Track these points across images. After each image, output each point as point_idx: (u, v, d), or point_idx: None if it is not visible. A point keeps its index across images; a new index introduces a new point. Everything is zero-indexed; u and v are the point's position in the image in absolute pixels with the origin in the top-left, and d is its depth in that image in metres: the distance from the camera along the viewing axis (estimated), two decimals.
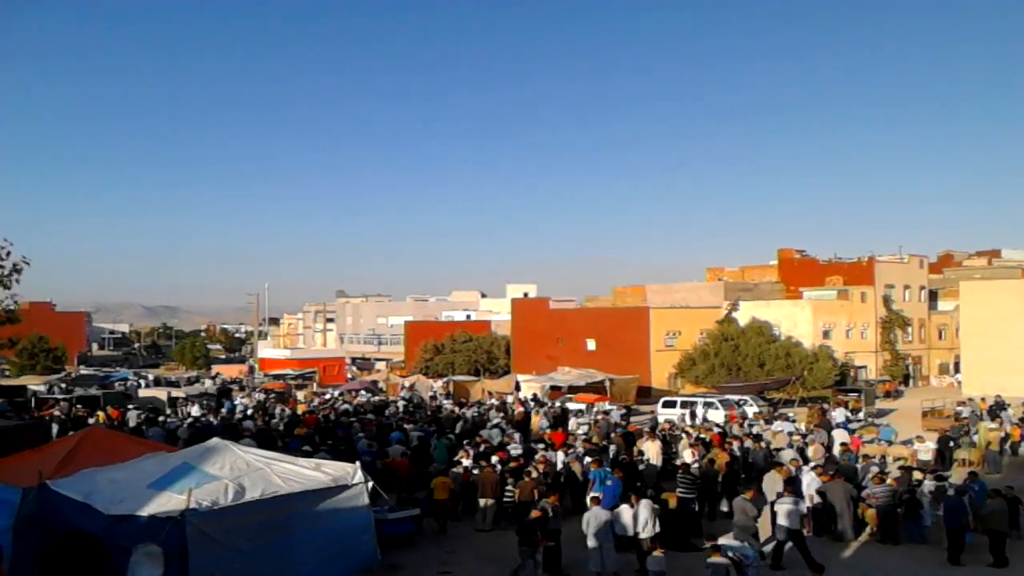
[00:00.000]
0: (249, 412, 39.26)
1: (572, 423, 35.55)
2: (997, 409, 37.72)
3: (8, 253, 14.63)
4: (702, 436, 28.68)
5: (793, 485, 19.73)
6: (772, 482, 20.44)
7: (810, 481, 20.39)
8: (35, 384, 52.49)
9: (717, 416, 37.67)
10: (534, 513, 16.57)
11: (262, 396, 49.36)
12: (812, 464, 23.28)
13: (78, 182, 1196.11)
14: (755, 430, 31.52)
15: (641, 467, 23.76)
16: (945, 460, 27.83)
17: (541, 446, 26.72)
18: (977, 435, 30.46)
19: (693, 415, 38.30)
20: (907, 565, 17.69)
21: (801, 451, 28.33)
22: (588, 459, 23.09)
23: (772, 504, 18.40)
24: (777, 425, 32.37)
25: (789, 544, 16.68)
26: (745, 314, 59.81)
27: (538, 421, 35.43)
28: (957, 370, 62.05)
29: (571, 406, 40.94)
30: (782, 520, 17.28)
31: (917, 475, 21.68)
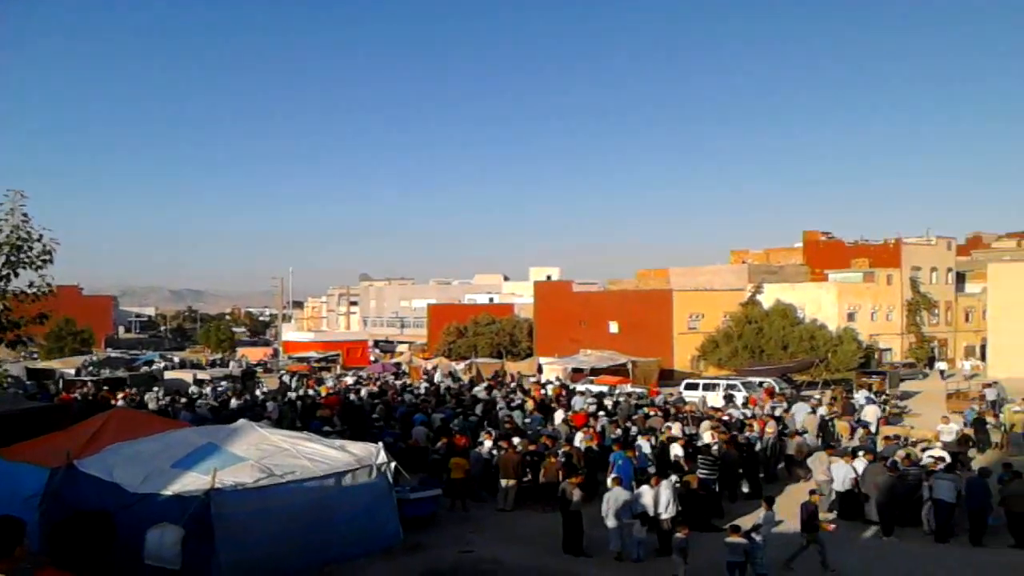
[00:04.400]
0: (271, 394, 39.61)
1: (578, 402, 35.48)
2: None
3: (40, 236, 14.74)
4: (724, 419, 28.64)
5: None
6: (819, 463, 20.63)
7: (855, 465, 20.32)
8: (64, 367, 53.11)
9: (739, 398, 37.56)
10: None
11: (288, 378, 49.73)
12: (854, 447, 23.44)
13: (106, 166, 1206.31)
14: (777, 412, 31.45)
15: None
16: (980, 443, 27.70)
17: (565, 428, 26.83)
18: (1003, 417, 30.25)
19: (730, 399, 37.71)
20: (930, 547, 17.66)
21: (825, 431, 28.33)
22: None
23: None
24: (795, 407, 32.28)
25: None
26: (769, 297, 59.52)
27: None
28: (983, 353, 61.46)
29: (578, 387, 41.20)
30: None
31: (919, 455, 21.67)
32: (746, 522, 15.37)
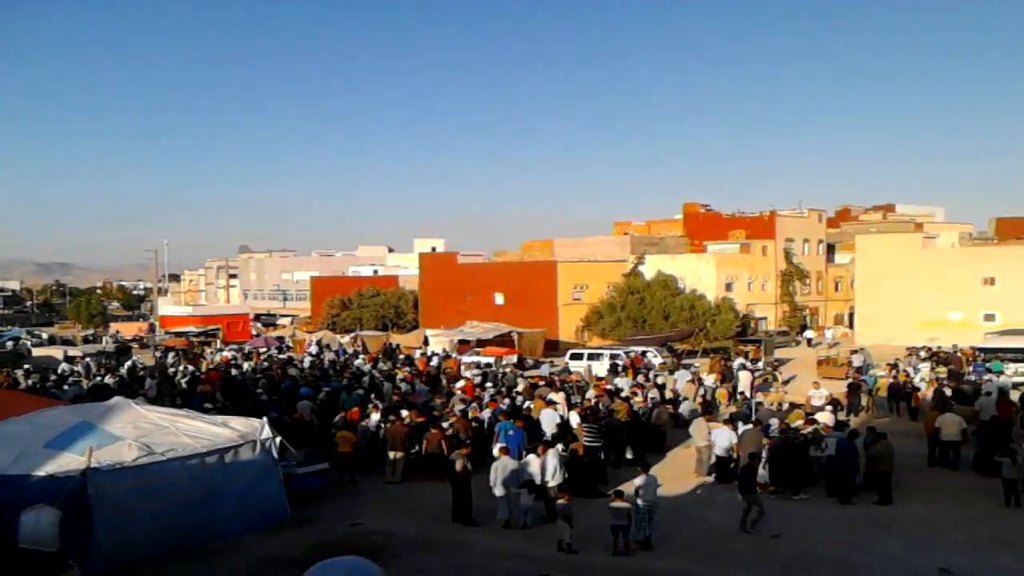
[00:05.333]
0: (149, 370, 38.34)
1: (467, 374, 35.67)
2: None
3: None
4: (609, 387, 29.20)
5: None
6: (699, 428, 21.29)
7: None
8: None
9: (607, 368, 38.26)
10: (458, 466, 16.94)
11: (160, 354, 48.22)
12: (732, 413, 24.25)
13: None
14: (659, 380, 32.32)
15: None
16: (853, 407, 29.04)
17: (456, 399, 26.86)
18: (870, 382, 31.77)
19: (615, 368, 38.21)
20: (802, 507, 18.45)
21: (705, 399, 29.27)
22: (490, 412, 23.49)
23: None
24: (678, 375, 33.23)
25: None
26: (651, 267, 60.78)
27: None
28: (851, 321, 64.35)
29: (465, 359, 41.43)
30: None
31: (799, 421, 22.54)
32: (629, 488, 15.73)
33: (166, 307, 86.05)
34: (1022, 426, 24.24)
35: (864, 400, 29.89)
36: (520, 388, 29.52)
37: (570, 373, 36.38)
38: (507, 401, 26.45)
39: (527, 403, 25.83)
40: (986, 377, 32.23)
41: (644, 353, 42.07)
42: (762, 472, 18.79)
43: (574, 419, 22.84)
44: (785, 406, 26.95)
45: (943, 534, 16.28)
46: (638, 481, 16.02)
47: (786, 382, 35.09)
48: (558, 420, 22.68)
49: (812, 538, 16.07)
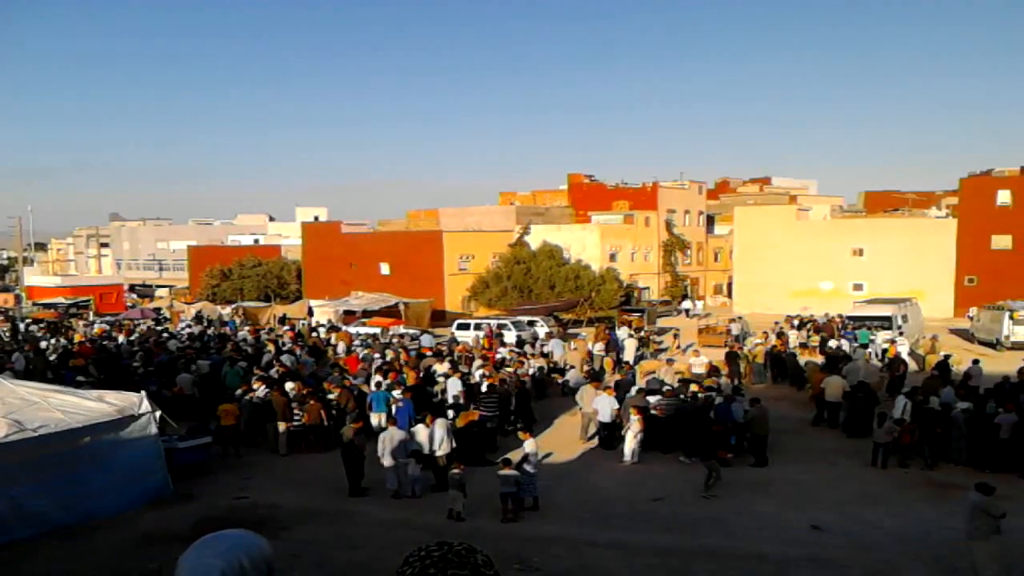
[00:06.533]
0: (15, 344, 36.58)
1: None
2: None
3: None
4: (498, 356, 29.41)
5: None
6: (586, 395, 21.73)
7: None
8: None
9: (509, 337, 38.72)
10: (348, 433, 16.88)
11: (22, 326, 46.03)
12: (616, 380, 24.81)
13: None
14: (545, 349, 32.81)
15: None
16: (732, 374, 29.99)
17: (336, 371, 26.57)
18: (746, 349, 32.90)
19: (500, 338, 38.55)
20: (680, 470, 19.05)
21: (592, 368, 29.82)
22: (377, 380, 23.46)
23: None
24: (551, 343, 33.97)
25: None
26: (536, 238, 61.20)
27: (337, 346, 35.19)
28: (730, 291, 66.32)
29: (358, 330, 41.10)
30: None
31: (694, 387, 23.23)
32: (516, 455, 15.95)
33: (33, 277, 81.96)
34: (888, 391, 25.49)
35: (742, 367, 30.94)
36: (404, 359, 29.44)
37: (457, 343, 36.45)
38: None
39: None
40: (854, 344, 33.84)
41: (531, 323, 42.46)
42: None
43: (454, 386, 23.07)
44: (666, 372, 27.63)
45: (815, 493, 17.12)
46: (528, 448, 16.29)
47: (684, 349, 36.26)
48: (461, 388, 22.88)
49: (690, 500, 16.65)
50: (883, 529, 14.68)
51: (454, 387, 23.07)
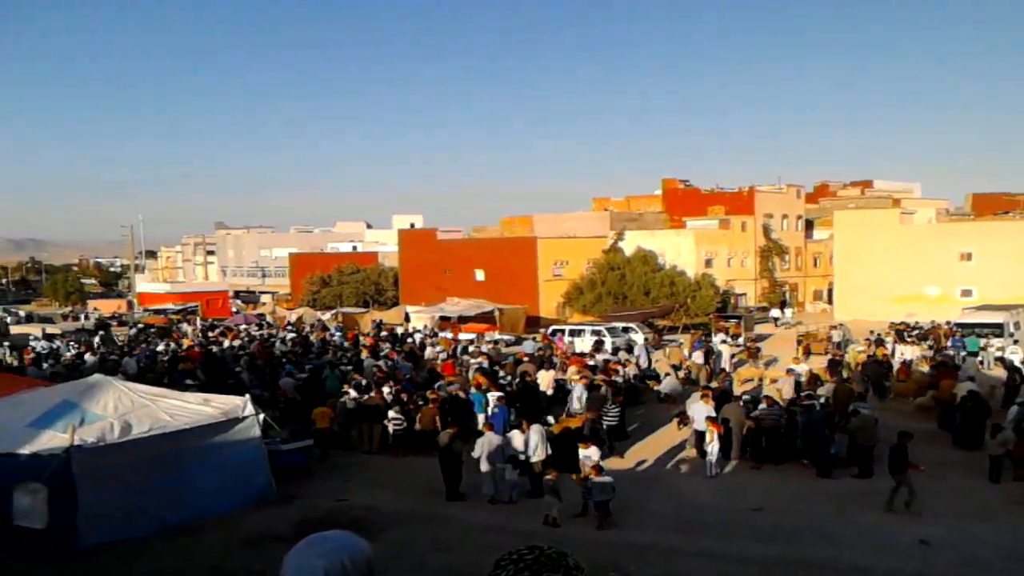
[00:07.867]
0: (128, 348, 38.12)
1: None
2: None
3: None
4: (591, 364, 29.32)
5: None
6: (693, 403, 21.59)
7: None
8: None
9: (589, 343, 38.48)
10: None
11: (133, 332, 47.88)
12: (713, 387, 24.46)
13: None
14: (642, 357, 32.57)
15: None
16: (859, 382, 29.20)
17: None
18: (848, 356, 32.06)
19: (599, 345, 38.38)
20: (783, 480, 18.65)
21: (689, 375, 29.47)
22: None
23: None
24: (637, 351, 33.66)
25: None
26: (631, 244, 60.79)
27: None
28: (830, 297, 64.62)
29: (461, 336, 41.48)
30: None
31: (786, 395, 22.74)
32: (609, 464, 15.89)
33: (144, 284, 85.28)
34: (1002, 403, 24.36)
35: (845, 375, 30.10)
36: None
37: (552, 350, 36.43)
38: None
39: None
40: (962, 353, 32.58)
41: (625, 329, 42.11)
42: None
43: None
44: (766, 381, 27.13)
45: (922, 506, 16.50)
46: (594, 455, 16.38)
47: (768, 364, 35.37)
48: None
49: (791, 510, 16.27)
50: (994, 545, 14.09)
51: (579, 392, 23.22)
